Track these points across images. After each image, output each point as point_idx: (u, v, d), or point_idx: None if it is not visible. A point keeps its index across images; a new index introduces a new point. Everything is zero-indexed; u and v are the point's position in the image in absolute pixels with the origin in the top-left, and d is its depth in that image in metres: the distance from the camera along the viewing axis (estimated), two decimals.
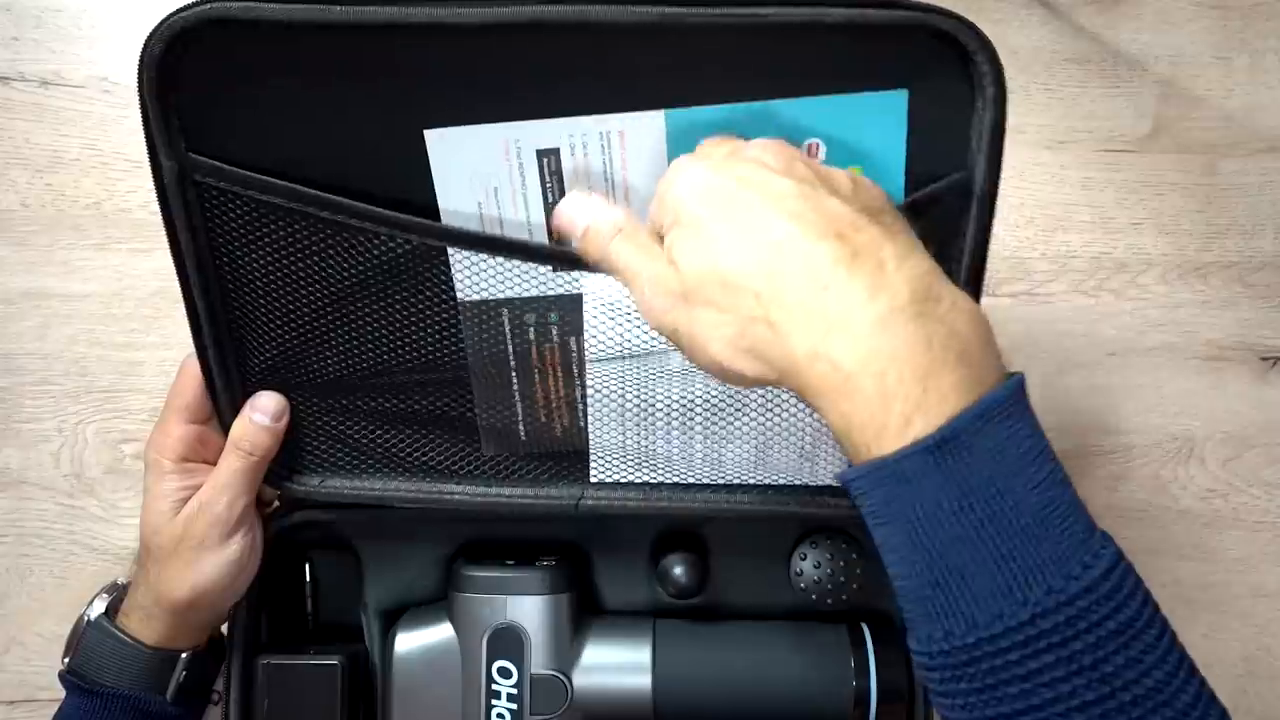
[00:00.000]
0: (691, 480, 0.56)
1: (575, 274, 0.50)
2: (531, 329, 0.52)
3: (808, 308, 0.35)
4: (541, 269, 0.50)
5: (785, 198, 0.37)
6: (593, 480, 0.56)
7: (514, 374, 0.54)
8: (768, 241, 0.37)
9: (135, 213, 0.64)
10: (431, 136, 0.47)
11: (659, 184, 0.41)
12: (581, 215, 0.44)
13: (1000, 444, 0.34)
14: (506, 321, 0.52)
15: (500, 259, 0.50)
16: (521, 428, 0.55)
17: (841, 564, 0.58)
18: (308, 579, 0.61)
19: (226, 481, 0.53)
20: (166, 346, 0.64)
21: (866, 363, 0.34)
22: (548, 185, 0.48)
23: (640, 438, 0.55)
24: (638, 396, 0.54)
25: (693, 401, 0.53)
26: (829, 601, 0.58)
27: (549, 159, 0.47)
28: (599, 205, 0.43)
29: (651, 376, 0.53)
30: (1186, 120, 0.65)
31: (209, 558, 0.52)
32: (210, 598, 0.53)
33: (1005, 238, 0.65)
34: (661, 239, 0.40)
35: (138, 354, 0.64)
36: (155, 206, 0.64)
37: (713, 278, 0.38)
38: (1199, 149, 0.65)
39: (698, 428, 0.54)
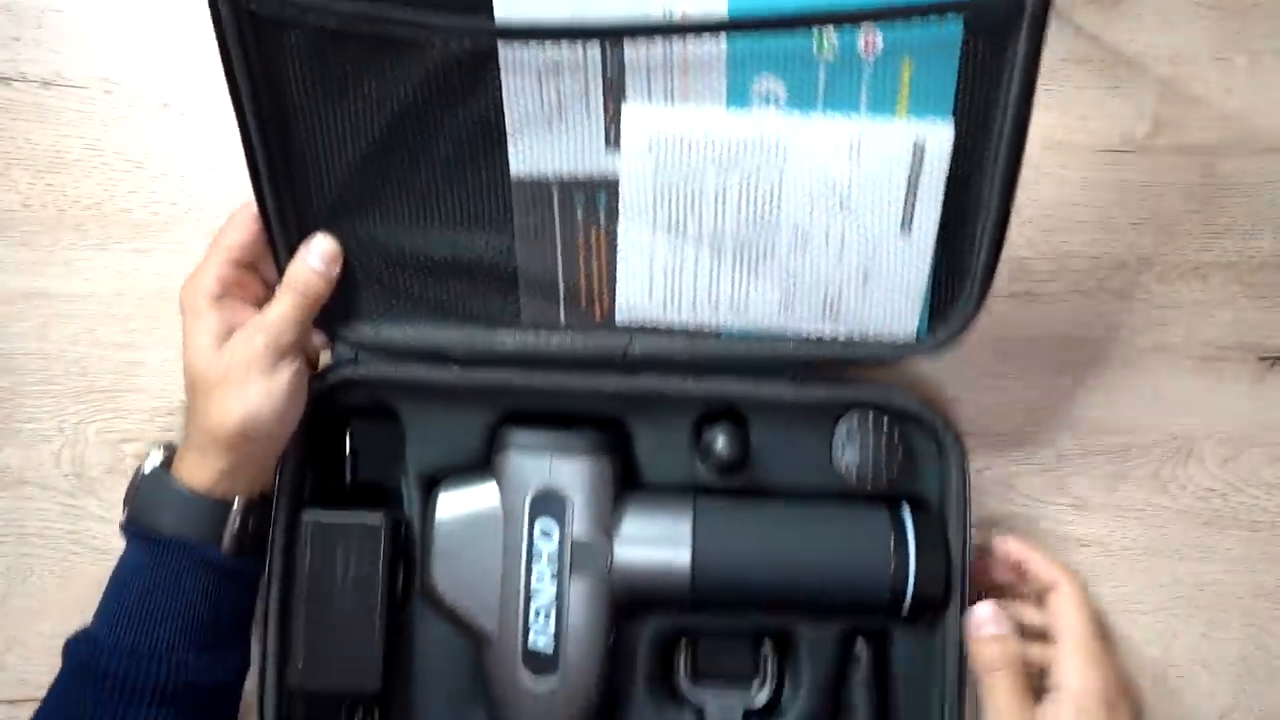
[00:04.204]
0: (718, 325, 0.57)
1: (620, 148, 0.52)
2: (579, 209, 0.54)
3: None
4: (595, 144, 0.52)
5: None
6: (619, 323, 0.57)
7: (559, 254, 0.55)
8: None
9: (136, 213, 0.64)
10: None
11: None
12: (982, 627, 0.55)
13: None
14: (555, 199, 0.53)
15: (555, 134, 0.51)
16: (562, 311, 0.56)
17: (883, 443, 0.58)
18: (348, 450, 0.62)
19: (276, 318, 0.54)
20: (167, 347, 0.64)
21: None
22: (607, 58, 0.49)
23: (668, 279, 0.56)
24: (668, 236, 0.54)
25: (723, 241, 0.54)
26: (869, 483, 0.58)
27: (609, 42, 0.49)
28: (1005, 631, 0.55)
29: (683, 213, 0.54)
30: (1186, 120, 0.65)
31: (256, 386, 0.53)
32: (261, 428, 0.54)
33: None
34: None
35: (138, 354, 0.64)
36: (156, 207, 0.64)
37: None
38: (1198, 149, 0.65)
39: (726, 268, 0.55)
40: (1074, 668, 0.53)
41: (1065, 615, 0.55)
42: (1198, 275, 0.65)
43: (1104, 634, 0.57)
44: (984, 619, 0.55)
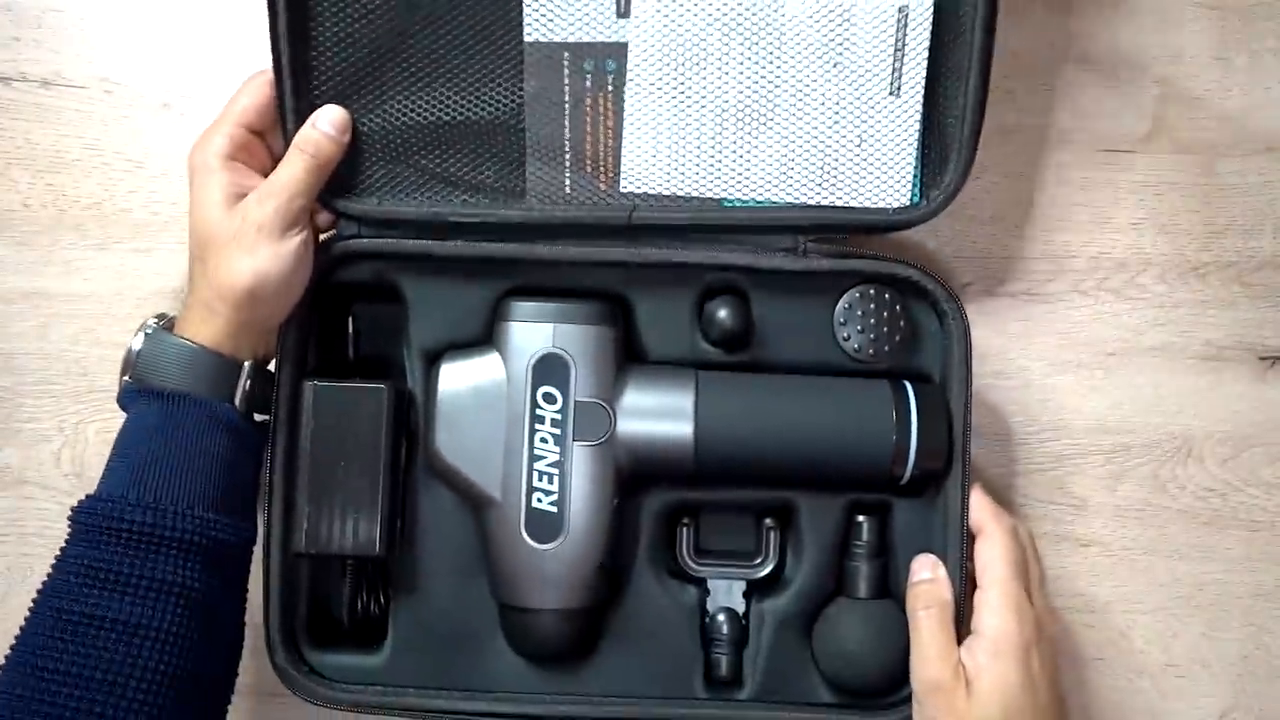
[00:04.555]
0: (720, 194, 0.58)
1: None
2: (589, 76, 0.56)
3: None
4: (607, 9, 0.54)
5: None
6: (623, 189, 0.58)
7: (566, 120, 0.57)
8: None
9: (136, 213, 0.64)
10: None
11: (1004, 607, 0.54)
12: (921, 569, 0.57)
13: None
14: (566, 65, 0.56)
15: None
16: (567, 179, 0.57)
17: (885, 316, 0.58)
18: (351, 330, 0.62)
19: (286, 180, 0.54)
20: None
21: None
22: None
23: (673, 145, 0.57)
24: (674, 102, 0.56)
25: (725, 107, 0.56)
26: (871, 353, 0.59)
27: None
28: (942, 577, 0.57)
29: (688, 79, 0.56)
30: (1185, 120, 0.65)
31: (267, 248, 0.53)
32: (269, 289, 0.54)
33: (1004, 237, 0.65)
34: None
35: None
36: (155, 207, 0.64)
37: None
38: (1198, 149, 0.65)
39: (728, 134, 0.57)
40: (992, 613, 0.54)
41: (989, 563, 0.56)
42: (1197, 275, 0.65)
43: (1036, 576, 0.58)
44: (921, 566, 0.58)
